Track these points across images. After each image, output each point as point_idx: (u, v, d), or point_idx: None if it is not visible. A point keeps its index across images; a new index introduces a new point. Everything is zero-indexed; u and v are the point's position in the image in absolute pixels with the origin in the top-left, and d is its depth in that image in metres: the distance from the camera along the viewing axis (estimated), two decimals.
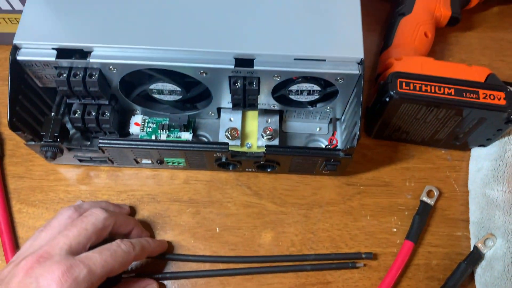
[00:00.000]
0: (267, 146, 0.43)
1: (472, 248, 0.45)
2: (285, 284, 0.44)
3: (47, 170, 0.48)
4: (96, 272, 0.35)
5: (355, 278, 0.44)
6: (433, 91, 0.43)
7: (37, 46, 0.40)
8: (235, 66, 0.40)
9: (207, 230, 0.46)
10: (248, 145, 0.47)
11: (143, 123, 0.48)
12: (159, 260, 0.44)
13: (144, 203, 0.47)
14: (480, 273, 0.44)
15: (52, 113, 0.45)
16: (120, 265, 0.37)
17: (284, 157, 0.44)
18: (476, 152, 0.49)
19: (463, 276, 0.43)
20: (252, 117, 0.48)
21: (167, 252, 0.45)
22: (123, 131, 0.48)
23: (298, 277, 0.44)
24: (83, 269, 0.34)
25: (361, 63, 0.40)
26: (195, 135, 0.49)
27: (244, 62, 0.40)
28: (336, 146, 0.47)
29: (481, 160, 0.48)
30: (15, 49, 0.40)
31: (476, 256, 0.44)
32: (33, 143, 0.43)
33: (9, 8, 0.48)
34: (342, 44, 0.40)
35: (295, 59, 0.40)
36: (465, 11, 0.57)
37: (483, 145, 0.49)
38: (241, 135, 0.47)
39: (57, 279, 0.33)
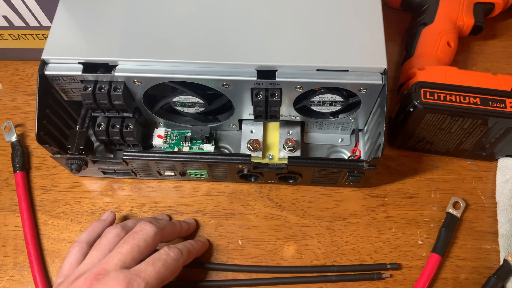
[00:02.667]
0: (289, 157, 0.43)
1: (502, 261, 0.44)
2: None
3: (72, 182, 0.49)
4: (152, 284, 0.36)
5: None
6: (458, 100, 0.42)
7: (64, 61, 0.41)
8: (257, 78, 0.40)
9: (230, 242, 0.46)
10: (270, 157, 0.47)
11: (165, 135, 0.49)
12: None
13: None
14: (510, 287, 0.42)
15: (78, 126, 0.46)
16: (171, 273, 0.38)
17: (307, 168, 0.43)
18: (504, 163, 0.48)
19: None
20: (274, 128, 0.48)
21: (204, 261, 0.44)
22: (146, 143, 0.49)
23: None
24: (141, 283, 0.35)
25: (384, 73, 0.40)
26: (217, 147, 0.50)
27: (266, 73, 0.40)
28: (360, 157, 0.46)
29: (508, 171, 0.47)
30: (43, 64, 0.41)
31: (506, 270, 0.42)
32: (59, 156, 0.44)
33: (37, 24, 0.50)
34: (365, 54, 0.40)
35: (317, 70, 0.40)
36: (488, 20, 0.57)
37: (511, 156, 0.47)
38: (263, 146, 0.47)
39: None
